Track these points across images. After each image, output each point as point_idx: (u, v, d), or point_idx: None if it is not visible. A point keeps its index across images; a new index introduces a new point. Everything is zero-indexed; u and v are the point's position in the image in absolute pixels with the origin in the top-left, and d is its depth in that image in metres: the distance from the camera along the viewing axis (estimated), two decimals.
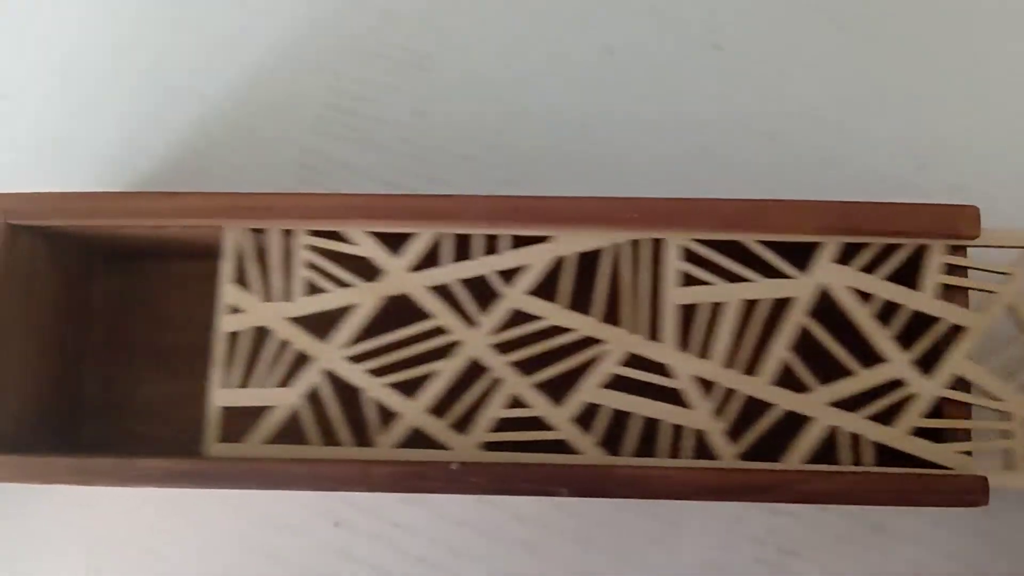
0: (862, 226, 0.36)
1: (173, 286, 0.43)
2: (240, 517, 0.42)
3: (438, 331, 0.37)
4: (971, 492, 0.34)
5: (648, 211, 0.36)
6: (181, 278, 0.43)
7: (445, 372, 0.37)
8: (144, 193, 0.40)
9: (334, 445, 0.37)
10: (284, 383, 0.37)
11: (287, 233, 0.37)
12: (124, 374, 0.42)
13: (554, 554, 0.41)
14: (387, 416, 0.37)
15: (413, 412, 0.36)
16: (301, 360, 0.37)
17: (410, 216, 0.36)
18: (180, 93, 0.46)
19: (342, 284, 0.37)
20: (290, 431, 0.37)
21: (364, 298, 0.37)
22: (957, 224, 0.36)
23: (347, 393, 0.37)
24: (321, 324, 0.37)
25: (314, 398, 0.37)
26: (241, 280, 0.37)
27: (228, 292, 0.37)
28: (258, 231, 0.37)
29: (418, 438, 0.37)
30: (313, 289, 0.37)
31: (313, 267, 0.37)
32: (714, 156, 0.44)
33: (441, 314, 0.37)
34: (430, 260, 0.37)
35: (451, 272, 0.37)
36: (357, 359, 0.37)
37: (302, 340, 0.37)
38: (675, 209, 0.36)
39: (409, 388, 0.37)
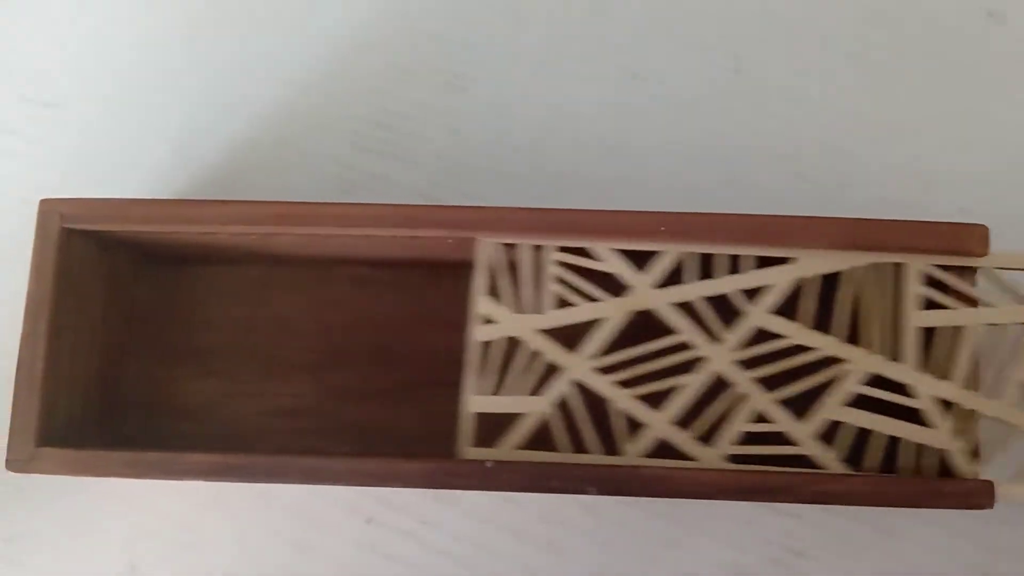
0: (879, 242, 0.37)
1: (213, 290, 0.45)
2: (274, 512, 0.44)
3: (683, 346, 0.38)
4: (976, 496, 0.36)
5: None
6: (221, 282, 0.45)
7: (690, 386, 0.38)
8: (204, 201, 0.41)
9: (583, 452, 0.38)
10: (535, 392, 0.38)
11: (537, 248, 0.39)
12: (165, 374, 0.44)
13: (575, 553, 0.43)
14: (634, 426, 0.38)
15: (659, 424, 0.38)
16: (551, 370, 0.38)
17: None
18: (228, 109, 0.48)
19: (590, 298, 0.38)
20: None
21: (611, 312, 0.38)
22: (966, 242, 0.37)
23: (595, 403, 0.38)
24: (568, 336, 0.39)
25: (563, 407, 0.38)
26: (493, 292, 0.39)
27: (481, 303, 0.39)
28: (509, 246, 0.39)
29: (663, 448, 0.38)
30: (562, 302, 0.39)
31: (562, 281, 0.39)
32: (733, 177, 0.46)
33: (686, 330, 0.38)
34: (674, 277, 0.39)
35: (695, 290, 0.38)
36: (605, 371, 0.38)
37: (552, 351, 0.38)
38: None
39: (655, 400, 0.38)
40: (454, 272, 0.44)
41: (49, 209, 0.39)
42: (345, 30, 0.49)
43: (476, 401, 0.38)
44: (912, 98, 0.47)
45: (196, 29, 0.49)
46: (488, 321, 0.39)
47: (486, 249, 0.39)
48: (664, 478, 0.36)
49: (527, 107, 0.47)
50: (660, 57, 0.48)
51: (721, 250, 0.38)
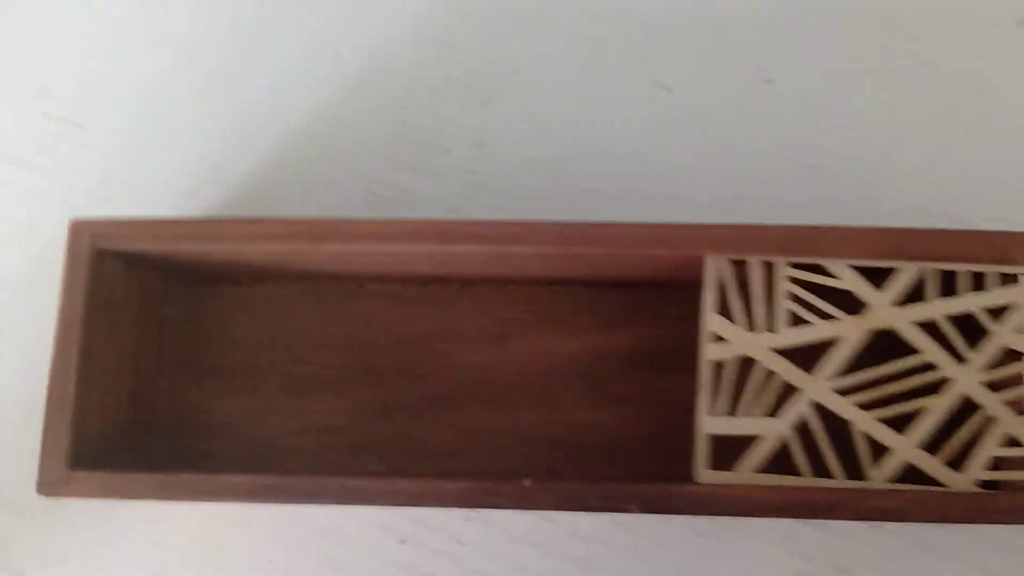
0: (919, 252, 0.36)
1: (241, 309, 0.44)
2: (304, 532, 0.43)
3: (927, 367, 0.37)
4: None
5: None
6: (249, 301, 0.44)
7: (936, 408, 0.36)
8: (235, 219, 0.41)
9: (824, 476, 0.37)
10: (771, 413, 0.37)
11: (768, 265, 0.38)
12: (195, 393, 0.44)
13: (610, 570, 0.42)
14: (878, 450, 0.37)
15: (905, 448, 0.36)
16: (788, 391, 0.37)
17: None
18: (258, 126, 0.48)
19: (825, 316, 0.37)
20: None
21: (849, 331, 0.37)
22: (1010, 251, 0.36)
23: (835, 426, 0.37)
24: (803, 356, 0.37)
25: (802, 429, 0.37)
26: (723, 310, 0.37)
27: (712, 321, 0.37)
28: (739, 263, 0.38)
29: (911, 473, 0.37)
30: (796, 320, 0.37)
31: (796, 299, 0.37)
32: (764, 188, 0.45)
33: (928, 350, 0.37)
34: (915, 295, 0.37)
35: (938, 308, 0.37)
36: (845, 392, 0.37)
37: (788, 371, 0.37)
38: None
39: (898, 423, 0.37)
40: (482, 289, 0.43)
41: (80, 229, 0.38)
42: (372, 49, 0.48)
43: (711, 422, 0.37)
44: (942, 108, 0.46)
45: (224, 49, 0.49)
46: (719, 339, 0.37)
47: (714, 266, 0.37)
48: (705, 496, 0.35)
49: (553, 120, 0.47)
50: (686, 68, 0.47)
51: (963, 267, 0.37)
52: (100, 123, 0.48)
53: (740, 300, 0.37)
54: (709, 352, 0.37)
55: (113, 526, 0.44)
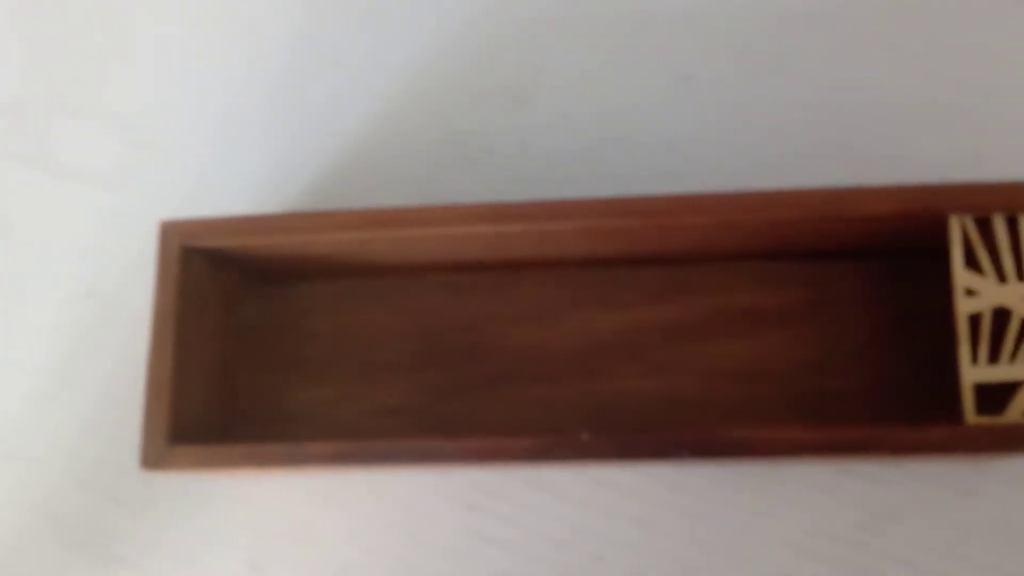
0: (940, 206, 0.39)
1: (315, 303, 0.48)
2: (384, 506, 0.46)
3: None
4: None
5: None
6: (321, 296, 0.48)
7: None
8: (305, 213, 0.44)
9: None
10: None
11: (1011, 220, 0.40)
12: (275, 382, 0.47)
13: (665, 528, 0.45)
14: None
15: None
16: None
17: None
18: (315, 134, 0.52)
19: None
20: None
21: None
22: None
23: None
24: None
25: None
26: (973, 265, 0.40)
27: (961, 276, 0.39)
28: (984, 220, 0.40)
29: None
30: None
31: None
32: (785, 168, 0.48)
33: None
34: None
35: None
36: None
37: None
38: None
39: None
40: (530, 271, 0.47)
41: (169, 229, 0.42)
42: (417, 64, 0.52)
43: (973, 372, 0.39)
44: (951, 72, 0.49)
45: (287, 68, 0.53)
46: (970, 293, 0.39)
47: (958, 225, 0.40)
48: (749, 440, 0.38)
49: (585, 118, 0.50)
50: (707, 60, 0.50)
51: None
52: (176, 143, 0.52)
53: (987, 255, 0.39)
54: (962, 306, 0.39)
55: (206, 510, 0.47)
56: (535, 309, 0.47)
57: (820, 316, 0.45)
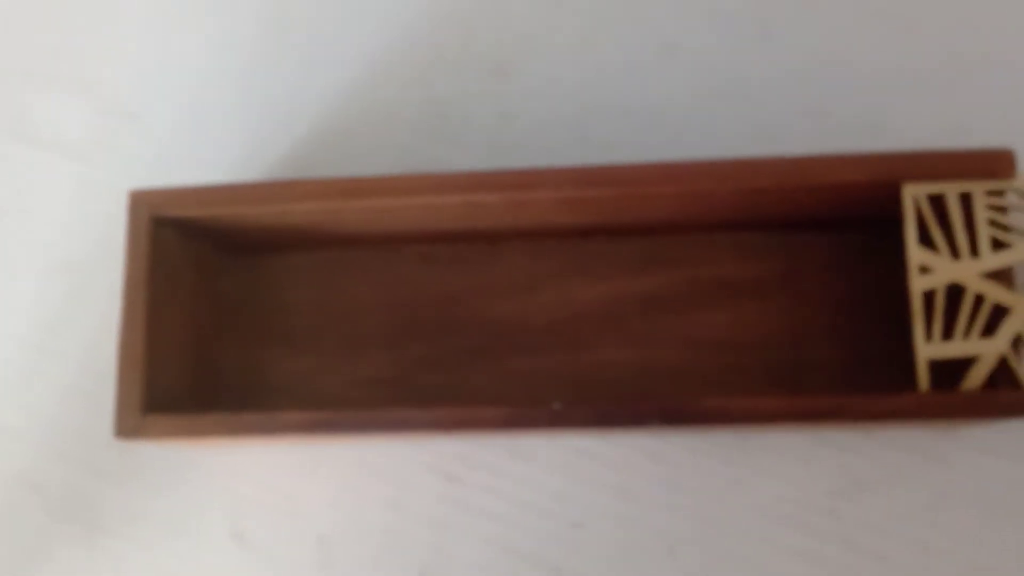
0: (909, 174, 0.39)
1: (290, 275, 0.48)
2: (365, 476, 0.46)
3: None
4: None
5: None
6: (297, 268, 0.48)
7: None
8: (276, 181, 0.45)
9: None
10: (984, 335, 0.39)
11: (964, 196, 0.39)
12: (253, 354, 0.47)
13: (644, 496, 0.45)
14: None
15: None
16: (999, 312, 0.39)
17: None
18: (295, 103, 0.51)
19: None
20: None
21: None
22: (995, 167, 0.38)
23: None
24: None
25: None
26: (926, 241, 0.39)
27: (916, 253, 0.39)
28: (936, 197, 0.39)
29: None
30: (997, 244, 0.39)
31: (994, 224, 0.39)
32: (769, 134, 0.48)
33: None
34: None
35: None
36: None
37: (996, 292, 0.39)
38: None
39: None
40: (508, 244, 0.47)
41: (138, 199, 0.42)
42: (394, 30, 0.51)
43: (928, 348, 0.39)
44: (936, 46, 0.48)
45: (258, 38, 0.52)
46: (925, 270, 0.39)
47: (912, 200, 0.39)
48: (721, 408, 0.38)
49: (568, 86, 0.49)
50: (691, 27, 0.49)
51: None
52: (152, 112, 0.52)
53: (940, 231, 0.39)
54: (916, 283, 0.39)
55: (189, 480, 0.47)
56: (514, 280, 0.47)
57: (795, 286, 0.45)
